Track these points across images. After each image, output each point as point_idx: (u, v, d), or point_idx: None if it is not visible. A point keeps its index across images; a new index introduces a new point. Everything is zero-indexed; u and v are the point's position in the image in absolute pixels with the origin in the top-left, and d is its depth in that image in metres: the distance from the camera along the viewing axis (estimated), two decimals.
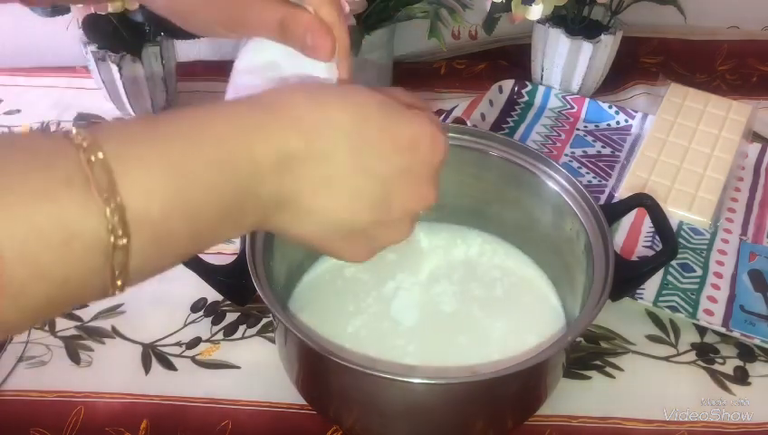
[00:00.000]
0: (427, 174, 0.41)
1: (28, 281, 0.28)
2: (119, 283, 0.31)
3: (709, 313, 0.64)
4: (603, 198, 0.75)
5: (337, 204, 0.38)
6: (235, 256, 0.54)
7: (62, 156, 0.30)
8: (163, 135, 0.33)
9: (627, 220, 0.71)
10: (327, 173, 0.37)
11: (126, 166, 0.30)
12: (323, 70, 0.43)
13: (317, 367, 0.52)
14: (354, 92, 0.39)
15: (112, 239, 0.30)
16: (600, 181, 0.77)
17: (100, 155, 0.30)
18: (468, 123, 0.78)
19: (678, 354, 0.62)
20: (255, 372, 0.60)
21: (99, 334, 0.62)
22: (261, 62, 0.44)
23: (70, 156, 0.30)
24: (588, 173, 0.78)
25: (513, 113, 0.85)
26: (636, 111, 0.84)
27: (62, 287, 0.29)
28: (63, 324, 0.63)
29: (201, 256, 0.53)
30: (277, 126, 0.36)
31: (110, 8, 0.73)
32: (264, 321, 0.63)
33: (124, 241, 0.30)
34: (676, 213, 0.72)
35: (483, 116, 0.82)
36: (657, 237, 0.69)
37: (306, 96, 0.38)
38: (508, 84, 0.87)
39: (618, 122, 0.84)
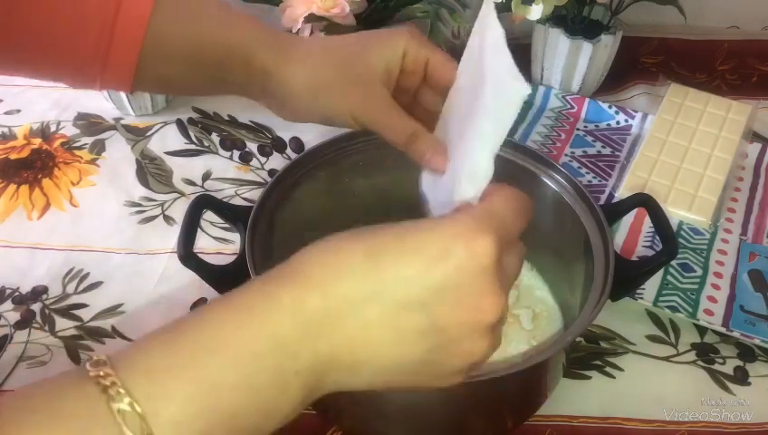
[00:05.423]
0: (473, 281, 0.35)
1: None
2: None
3: (709, 313, 0.64)
4: (603, 198, 0.75)
5: (381, 349, 0.35)
6: (235, 256, 0.54)
7: (91, 412, 0.30)
8: (185, 354, 0.32)
9: (627, 220, 0.71)
10: (359, 321, 0.34)
11: (155, 404, 0.30)
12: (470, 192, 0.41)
13: None
14: (377, 229, 0.36)
15: None
16: (600, 181, 0.77)
17: (127, 401, 0.30)
18: None
19: (678, 354, 0.62)
20: None
21: (99, 334, 0.62)
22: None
23: (98, 409, 0.29)
24: (588, 173, 0.78)
25: None
26: (636, 111, 0.84)
27: None
28: (63, 325, 0.63)
29: (201, 255, 0.53)
30: (289, 292, 0.34)
31: None
32: None
33: None
34: (677, 213, 0.72)
35: None
36: (657, 237, 0.69)
37: (319, 251, 0.35)
38: None
39: (618, 122, 0.84)
